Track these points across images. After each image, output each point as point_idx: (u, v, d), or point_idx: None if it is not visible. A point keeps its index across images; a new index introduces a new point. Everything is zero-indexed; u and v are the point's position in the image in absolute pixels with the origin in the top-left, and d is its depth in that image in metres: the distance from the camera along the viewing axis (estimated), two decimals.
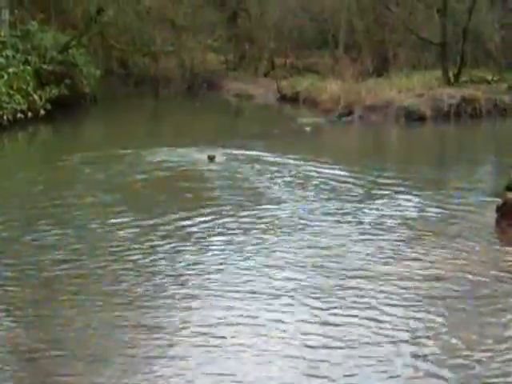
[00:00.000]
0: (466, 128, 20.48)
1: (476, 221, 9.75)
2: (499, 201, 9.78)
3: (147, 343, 5.83)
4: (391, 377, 5.34)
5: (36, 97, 18.67)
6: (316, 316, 6.37)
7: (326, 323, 6.23)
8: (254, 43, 31.67)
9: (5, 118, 17.12)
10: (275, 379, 5.28)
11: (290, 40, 31.01)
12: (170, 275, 7.38)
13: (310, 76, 26.81)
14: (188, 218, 9.48)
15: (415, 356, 5.64)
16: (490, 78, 24.18)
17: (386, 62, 27.13)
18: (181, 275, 7.38)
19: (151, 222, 9.29)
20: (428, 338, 5.99)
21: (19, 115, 17.69)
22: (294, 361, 5.53)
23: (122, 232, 8.91)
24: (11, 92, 17.74)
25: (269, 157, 14.15)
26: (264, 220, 9.52)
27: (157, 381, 5.26)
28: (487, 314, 6.51)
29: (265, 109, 26.04)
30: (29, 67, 19.05)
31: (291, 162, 13.69)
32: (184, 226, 9.17)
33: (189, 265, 7.70)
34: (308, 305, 6.62)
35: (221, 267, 7.61)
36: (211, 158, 13.80)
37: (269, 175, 12.50)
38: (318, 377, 5.32)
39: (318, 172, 12.77)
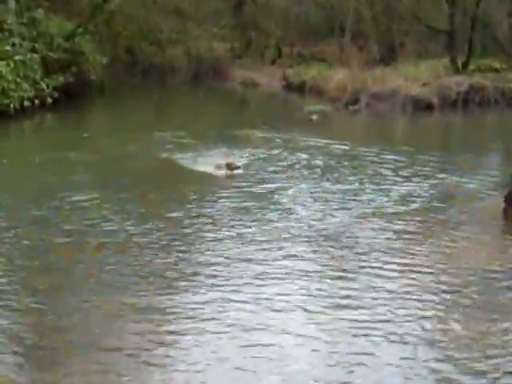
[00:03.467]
0: (474, 117, 20.38)
1: (483, 210, 9.73)
2: (506, 190, 9.75)
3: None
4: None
5: (43, 85, 18.62)
6: None
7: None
8: (260, 31, 31.50)
9: (11, 106, 17.09)
10: None
11: (297, 28, 30.85)
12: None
13: (316, 64, 26.68)
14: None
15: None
16: (498, 66, 24.02)
17: (393, 51, 26.96)
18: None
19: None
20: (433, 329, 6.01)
21: (26, 103, 17.65)
22: None
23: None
24: (18, 80, 17.69)
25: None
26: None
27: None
28: (493, 306, 6.49)
29: (271, 97, 25.96)
30: (36, 55, 18.95)
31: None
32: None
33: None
34: None
35: None
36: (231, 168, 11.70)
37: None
38: None
39: (326, 159, 12.86)
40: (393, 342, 5.73)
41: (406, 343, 5.70)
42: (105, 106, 21.23)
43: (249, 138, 15.27)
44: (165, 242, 8.09)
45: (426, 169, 12.31)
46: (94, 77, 21.35)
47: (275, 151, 13.71)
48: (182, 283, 6.91)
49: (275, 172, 11.94)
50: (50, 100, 18.63)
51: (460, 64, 23.47)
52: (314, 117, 18.80)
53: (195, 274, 7.16)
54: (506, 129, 18.74)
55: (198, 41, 28.65)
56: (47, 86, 18.73)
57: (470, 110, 20.52)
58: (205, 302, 6.41)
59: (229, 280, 6.97)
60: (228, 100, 24.77)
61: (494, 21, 25.35)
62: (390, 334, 5.83)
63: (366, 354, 5.52)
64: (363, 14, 28.82)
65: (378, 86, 20.74)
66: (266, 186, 10.90)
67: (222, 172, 11.61)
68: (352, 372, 5.26)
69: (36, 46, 19.26)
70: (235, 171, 11.63)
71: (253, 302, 6.44)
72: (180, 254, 7.71)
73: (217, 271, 7.19)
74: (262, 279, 6.99)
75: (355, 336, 5.81)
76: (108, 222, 8.88)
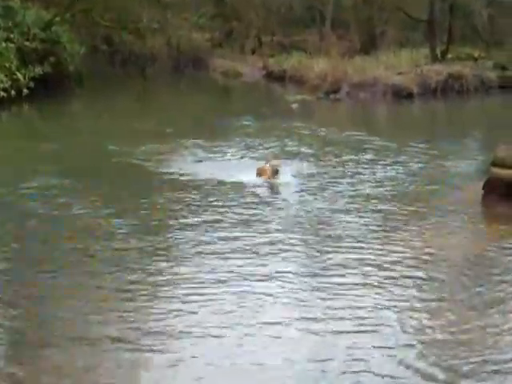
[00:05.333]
0: (453, 104, 20.43)
1: (462, 196, 9.75)
2: (485, 177, 9.76)
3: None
4: None
5: (19, 75, 18.39)
6: None
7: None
8: (240, 20, 31.40)
9: None
10: None
11: (277, 17, 30.77)
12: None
13: (297, 53, 26.62)
14: None
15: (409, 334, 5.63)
16: (477, 55, 24.10)
17: (374, 40, 26.96)
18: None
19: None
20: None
21: (2, 94, 17.44)
22: None
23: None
24: None
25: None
26: None
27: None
28: (466, 295, 6.46)
29: (252, 87, 25.88)
30: (11, 45, 18.72)
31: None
32: None
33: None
34: None
35: None
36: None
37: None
38: None
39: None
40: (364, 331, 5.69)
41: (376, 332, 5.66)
42: (83, 96, 21.01)
43: (232, 127, 15.25)
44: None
45: (406, 156, 12.30)
46: (72, 67, 21.13)
47: (258, 140, 13.67)
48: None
49: (257, 159, 11.93)
50: (26, 91, 18.41)
51: (439, 53, 23.53)
52: (296, 106, 18.77)
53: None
54: (485, 116, 18.82)
55: (179, 30, 28.47)
56: (24, 76, 18.51)
57: (450, 98, 20.57)
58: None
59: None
60: (209, 90, 24.64)
61: (473, 10, 25.40)
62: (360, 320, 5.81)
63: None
64: (343, 3, 28.80)
65: (358, 74, 20.72)
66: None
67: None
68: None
69: (12, 35, 19.02)
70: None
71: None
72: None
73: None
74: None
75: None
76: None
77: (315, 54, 24.76)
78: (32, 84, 18.64)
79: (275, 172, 9.95)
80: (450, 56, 23.58)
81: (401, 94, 20.12)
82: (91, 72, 22.60)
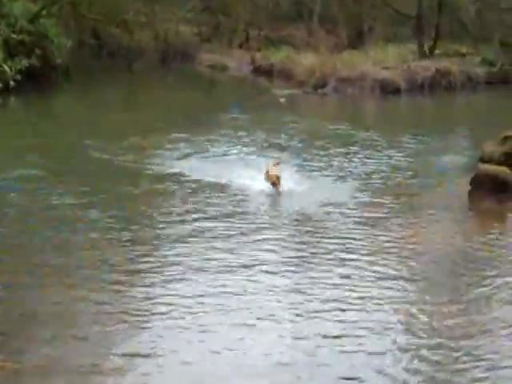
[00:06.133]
0: (441, 100, 20.49)
1: (449, 192, 9.79)
2: (472, 172, 9.82)
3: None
4: None
5: (6, 67, 18.26)
6: None
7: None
8: (228, 14, 31.32)
9: None
10: None
11: (265, 11, 30.70)
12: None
13: (284, 48, 26.58)
14: None
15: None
16: (464, 51, 24.18)
17: (362, 36, 26.98)
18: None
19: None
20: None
21: None
22: None
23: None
24: None
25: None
26: None
27: None
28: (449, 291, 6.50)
29: (240, 81, 25.83)
30: None
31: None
32: None
33: None
34: None
35: None
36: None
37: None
38: None
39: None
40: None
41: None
42: (70, 89, 20.88)
43: (220, 120, 15.22)
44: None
45: (393, 150, 12.34)
46: (59, 60, 20.99)
47: (247, 133, 13.68)
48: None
49: (247, 152, 11.96)
50: (12, 83, 18.28)
51: (427, 48, 23.58)
52: (283, 100, 18.77)
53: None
54: (473, 112, 18.88)
55: (166, 24, 28.35)
56: (10, 68, 18.38)
57: (437, 94, 20.64)
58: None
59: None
60: (196, 84, 24.55)
61: (460, 6, 25.46)
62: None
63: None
64: None
65: (346, 69, 20.74)
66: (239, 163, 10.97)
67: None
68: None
69: None
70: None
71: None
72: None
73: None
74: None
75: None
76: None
77: (303, 48, 24.73)
78: (19, 77, 18.50)
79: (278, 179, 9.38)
80: (437, 52, 23.64)
81: (388, 90, 20.16)
82: (78, 65, 22.46)
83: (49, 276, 6.49)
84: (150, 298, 6.07)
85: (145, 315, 5.75)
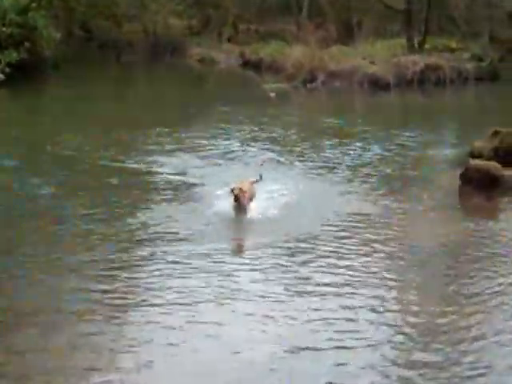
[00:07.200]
0: (430, 95, 20.56)
1: (438, 186, 9.82)
2: (462, 167, 9.87)
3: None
4: None
5: None
6: None
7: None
8: (217, 8, 31.29)
9: None
10: None
11: (254, 5, 30.69)
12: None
13: (273, 42, 26.60)
14: None
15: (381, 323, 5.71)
16: (454, 46, 24.27)
17: (351, 30, 27.01)
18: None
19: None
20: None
21: None
22: None
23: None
24: None
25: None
26: None
27: None
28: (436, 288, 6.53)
29: (229, 75, 25.82)
30: None
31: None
32: None
33: None
34: None
35: None
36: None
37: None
38: None
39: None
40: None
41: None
42: (59, 82, 20.82)
43: (208, 114, 15.25)
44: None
45: (382, 144, 12.37)
46: (49, 52, 20.92)
47: (237, 127, 13.73)
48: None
49: (240, 146, 12.01)
50: (2, 76, 18.22)
51: (416, 43, 23.63)
52: (273, 94, 18.78)
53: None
54: (462, 107, 18.95)
55: (155, 17, 28.29)
56: (0, 61, 18.30)
57: (426, 89, 20.70)
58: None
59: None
60: (185, 77, 24.52)
61: (450, 1, 25.55)
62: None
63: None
64: None
65: (335, 64, 20.78)
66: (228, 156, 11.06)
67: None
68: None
69: None
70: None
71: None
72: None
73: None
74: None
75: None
76: None
77: (292, 42, 24.73)
78: (8, 69, 18.43)
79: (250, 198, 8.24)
80: (427, 47, 23.69)
81: (377, 84, 20.21)
82: (68, 58, 22.39)
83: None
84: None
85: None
